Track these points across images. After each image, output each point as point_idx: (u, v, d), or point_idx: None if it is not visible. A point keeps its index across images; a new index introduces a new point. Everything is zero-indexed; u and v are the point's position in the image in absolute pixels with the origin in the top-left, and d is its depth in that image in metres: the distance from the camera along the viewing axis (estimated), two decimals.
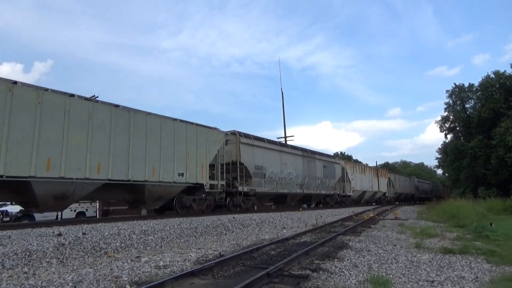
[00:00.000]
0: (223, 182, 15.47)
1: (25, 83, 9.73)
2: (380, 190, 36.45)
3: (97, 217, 20.27)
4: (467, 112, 42.09)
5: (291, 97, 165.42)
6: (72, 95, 10.42)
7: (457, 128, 44.60)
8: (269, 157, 18.87)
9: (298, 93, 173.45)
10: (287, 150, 21.24)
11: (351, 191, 29.57)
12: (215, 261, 5.76)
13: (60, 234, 7.17)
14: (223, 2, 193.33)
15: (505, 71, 36.86)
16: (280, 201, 22.11)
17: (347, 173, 29.05)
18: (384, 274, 5.44)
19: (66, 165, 9.69)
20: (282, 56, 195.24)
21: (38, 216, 17.32)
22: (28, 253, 5.82)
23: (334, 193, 26.64)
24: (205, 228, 10.06)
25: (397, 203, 44.12)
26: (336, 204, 27.35)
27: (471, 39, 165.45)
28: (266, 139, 19.48)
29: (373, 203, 37.01)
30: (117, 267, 5.57)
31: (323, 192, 24.92)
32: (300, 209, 21.55)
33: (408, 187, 49.03)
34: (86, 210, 20.84)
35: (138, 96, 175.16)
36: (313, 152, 24.45)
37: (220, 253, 6.99)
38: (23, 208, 11.23)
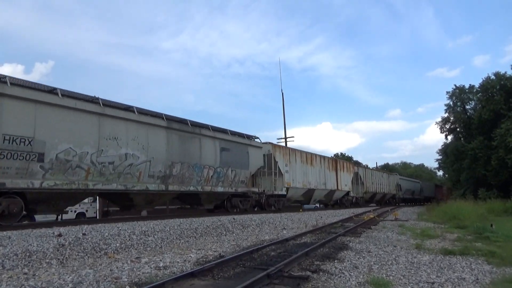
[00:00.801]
0: None
1: None
2: (340, 188, 27.11)
3: (97, 217, 20.27)
4: (468, 113, 42.10)
5: (291, 98, 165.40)
6: None
7: (458, 129, 44.60)
8: (60, 123, 9.91)
9: (299, 94, 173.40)
10: (120, 114, 11.67)
11: (284, 188, 19.70)
12: (215, 262, 5.76)
13: (60, 235, 7.16)
14: (224, 3, 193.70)
15: (505, 72, 36.92)
16: (125, 204, 13.01)
17: (276, 162, 19.28)
18: (384, 275, 5.44)
19: None
20: (282, 57, 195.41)
21: (38, 217, 17.31)
22: (28, 254, 5.81)
23: (247, 191, 17.15)
24: (205, 229, 10.06)
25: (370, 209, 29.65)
26: (256, 208, 18.39)
27: (471, 40, 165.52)
28: (61, 89, 10.36)
29: (331, 205, 28.26)
30: (117, 268, 5.57)
31: (220, 189, 15.34)
32: (301, 210, 21.54)
33: (386, 186, 39.08)
34: (86, 211, 20.84)
35: (138, 96, 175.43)
36: (196, 125, 14.56)
37: (220, 254, 6.98)
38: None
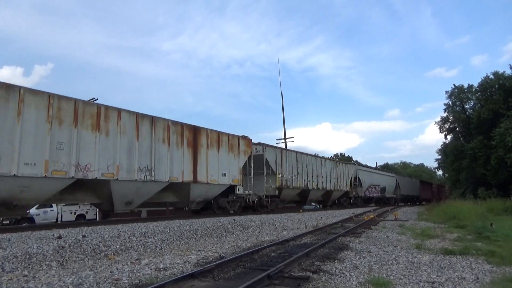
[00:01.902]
0: None
1: None
2: (206, 180, 14.70)
3: (97, 219, 20.27)
4: (467, 113, 42.10)
5: (291, 99, 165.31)
6: None
7: (457, 128, 44.60)
8: None
9: (298, 95, 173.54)
10: None
11: None
12: (216, 263, 5.76)
13: (60, 237, 7.16)
14: (223, 4, 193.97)
15: (504, 71, 36.91)
16: None
17: None
18: (384, 275, 5.44)
19: None
20: (282, 58, 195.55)
21: (38, 219, 17.33)
22: (28, 256, 5.81)
23: None
24: (205, 230, 10.06)
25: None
26: None
27: (470, 40, 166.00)
28: None
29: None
30: (117, 269, 5.56)
31: None
32: (301, 210, 21.51)
33: (332, 179, 26.22)
34: (86, 212, 20.85)
35: (138, 98, 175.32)
36: None
37: (221, 255, 6.98)
38: None
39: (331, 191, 26.40)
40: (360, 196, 31.55)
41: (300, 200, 23.70)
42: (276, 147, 21.19)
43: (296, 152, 22.73)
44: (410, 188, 48.17)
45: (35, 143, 9.48)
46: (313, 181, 23.61)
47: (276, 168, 19.65)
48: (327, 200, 27.21)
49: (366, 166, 38.06)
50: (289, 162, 21.23)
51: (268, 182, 19.04)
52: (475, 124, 38.00)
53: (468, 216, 16.29)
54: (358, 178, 31.28)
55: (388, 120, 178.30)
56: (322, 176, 25.02)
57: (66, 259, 6.17)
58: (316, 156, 26.89)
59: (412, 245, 8.62)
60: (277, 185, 19.57)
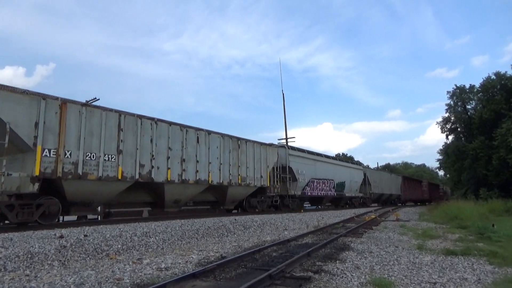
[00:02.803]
0: None
1: None
2: None
3: (99, 219, 20.26)
4: (468, 113, 42.05)
5: (292, 99, 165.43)
6: None
7: (458, 129, 44.56)
8: None
9: (299, 95, 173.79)
10: None
11: None
12: (217, 263, 5.76)
13: (61, 237, 7.17)
14: (224, 4, 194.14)
15: (505, 72, 36.88)
16: None
17: None
18: (386, 275, 5.43)
19: None
20: (282, 58, 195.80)
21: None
22: (30, 256, 5.82)
23: None
24: (207, 230, 10.06)
25: None
26: None
27: (470, 41, 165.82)
28: None
29: None
30: (118, 269, 5.57)
31: None
32: (302, 210, 21.51)
33: (231, 170, 15.52)
34: None
35: (139, 98, 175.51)
36: None
37: (222, 254, 6.98)
38: None
39: (225, 187, 15.54)
40: (293, 195, 20.67)
41: (154, 201, 13.52)
42: (40, 97, 9.35)
43: (119, 112, 11.28)
44: (387, 185, 36.87)
45: None
46: (174, 169, 12.97)
47: (36, 138, 9.21)
48: (223, 202, 16.24)
49: (308, 152, 23.77)
50: (92, 129, 10.47)
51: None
52: (477, 124, 37.97)
53: (470, 217, 16.27)
54: (289, 167, 20.42)
55: (389, 121, 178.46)
56: (199, 161, 14.02)
57: (68, 259, 6.18)
58: (184, 126, 13.65)
59: (414, 246, 8.62)
60: (36, 173, 9.16)
